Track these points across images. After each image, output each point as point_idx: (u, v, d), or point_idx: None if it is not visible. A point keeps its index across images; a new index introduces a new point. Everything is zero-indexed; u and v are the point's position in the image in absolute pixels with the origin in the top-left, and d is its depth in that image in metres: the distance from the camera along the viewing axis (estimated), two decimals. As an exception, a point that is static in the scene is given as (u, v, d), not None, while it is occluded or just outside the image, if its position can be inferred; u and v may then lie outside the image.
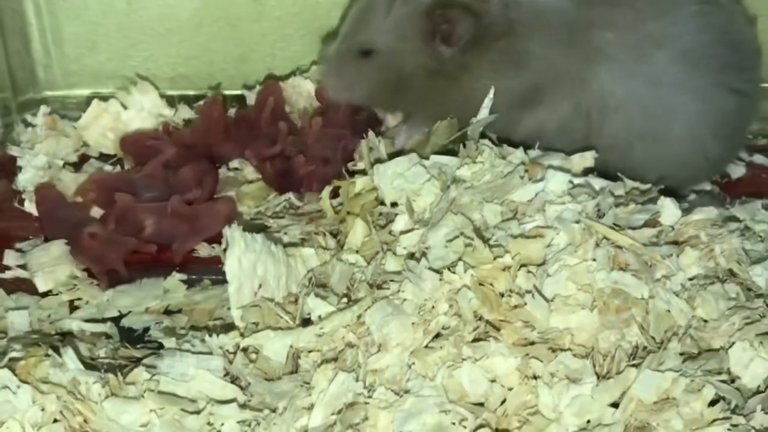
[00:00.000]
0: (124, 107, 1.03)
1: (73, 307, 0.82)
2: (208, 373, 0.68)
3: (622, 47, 0.85)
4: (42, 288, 0.84)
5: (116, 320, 0.80)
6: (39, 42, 1.07)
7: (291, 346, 0.70)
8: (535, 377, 0.66)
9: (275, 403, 0.67)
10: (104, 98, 1.03)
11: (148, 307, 0.81)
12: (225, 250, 0.74)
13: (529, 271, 0.70)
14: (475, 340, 0.68)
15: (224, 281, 0.74)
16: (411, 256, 0.74)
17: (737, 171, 0.98)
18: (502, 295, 0.70)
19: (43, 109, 1.05)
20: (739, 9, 0.92)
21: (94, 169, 0.99)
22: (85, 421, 0.67)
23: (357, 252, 0.77)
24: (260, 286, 0.74)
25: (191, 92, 1.07)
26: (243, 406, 0.67)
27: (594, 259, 0.70)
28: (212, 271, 0.84)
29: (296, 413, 0.66)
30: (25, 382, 0.68)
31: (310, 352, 0.71)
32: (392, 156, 0.83)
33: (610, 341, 0.68)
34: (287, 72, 1.07)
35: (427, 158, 0.81)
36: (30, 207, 0.94)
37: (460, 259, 0.71)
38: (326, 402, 0.66)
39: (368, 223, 0.79)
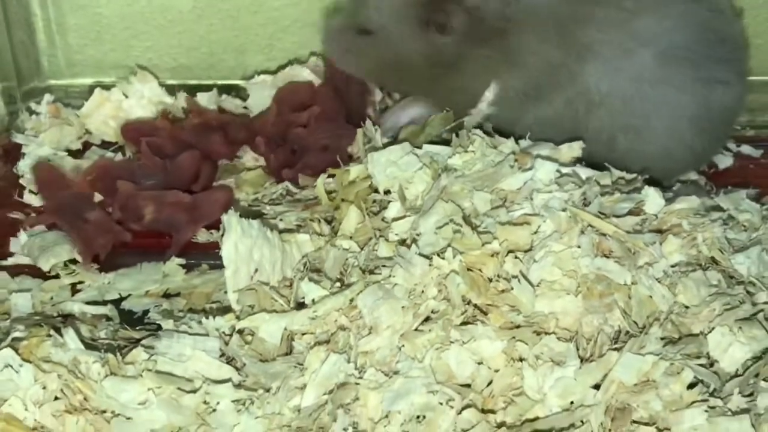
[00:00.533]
0: (126, 96, 1.04)
1: (75, 290, 0.83)
2: (205, 354, 0.70)
3: (608, 44, 0.85)
4: (45, 267, 0.84)
5: (117, 303, 0.81)
6: (43, 32, 1.08)
7: (285, 329, 0.71)
8: (520, 359, 0.67)
9: (269, 383, 0.68)
10: (106, 87, 1.04)
11: (147, 291, 0.82)
12: (222, 235, 0.75)
13: (516, 257, 0.71)
14: (463, 323, 0.69)
15: (221, 266, 0.75)
16: (402, 242, 0.75)
17: (725, 161, 0.98)
18: (490, 280, 0.71)
19: (47, 97, 1.06)
20: (725, 3, 0.92)
21: (96, 156, 1.00)
22: (85, 398, 0.68)
23: (351, 238, 0.78)
24: (256, 270, 0.75)
25: (192, 82, 1.08)
26: (238, 385, 0.68)
27: (579, 246, 0.71)
28: (210, 256, 0.84)
29: (289, 393, 0.67)
30: (28, 361, 0.69)
31: (303, 334, 0.72)
32: (387, 145, 0.84)
33: (593, 325, 0.69)
34: (285, 62, 1.07)
35: (420, 148, 0.82)
36: (29, 198, 0.94)
37: (449, 245, 0.72)
38: (318, 382, 0.67)
39: (362, 210, 0.80)
